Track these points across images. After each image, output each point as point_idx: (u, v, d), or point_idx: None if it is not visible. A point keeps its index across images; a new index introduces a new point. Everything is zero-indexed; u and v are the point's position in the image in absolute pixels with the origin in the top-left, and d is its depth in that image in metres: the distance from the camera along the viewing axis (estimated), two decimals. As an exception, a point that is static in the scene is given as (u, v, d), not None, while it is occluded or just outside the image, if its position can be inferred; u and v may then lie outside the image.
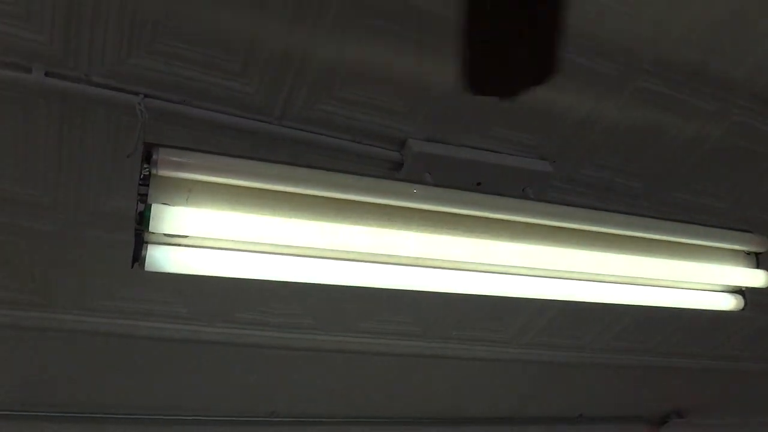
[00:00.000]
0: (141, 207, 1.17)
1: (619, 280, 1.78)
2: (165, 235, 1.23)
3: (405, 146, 1.76)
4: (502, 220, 1.58)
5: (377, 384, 2.51)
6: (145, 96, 1.50)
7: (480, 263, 1.57)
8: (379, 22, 1.46)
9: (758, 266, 1.89)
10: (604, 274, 1.73)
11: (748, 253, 1.90)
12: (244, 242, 1.31)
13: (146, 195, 1.19)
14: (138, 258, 1.23)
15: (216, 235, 1.25)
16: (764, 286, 1.89)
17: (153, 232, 1.20)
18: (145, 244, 1.23)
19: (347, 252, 1.40)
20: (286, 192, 1.33)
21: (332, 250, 1.38)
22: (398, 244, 1.42)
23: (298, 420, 2.58)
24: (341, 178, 1.37)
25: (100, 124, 1.54)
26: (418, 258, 1.49)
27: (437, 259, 1.52)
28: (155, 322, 1.97)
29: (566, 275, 1.72)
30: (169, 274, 1.29)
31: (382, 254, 1.44)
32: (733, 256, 1.88)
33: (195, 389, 2.29)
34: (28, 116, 1.49)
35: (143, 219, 1.18)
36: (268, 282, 1.41)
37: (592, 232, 1.71)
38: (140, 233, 1.22)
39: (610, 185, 1.99)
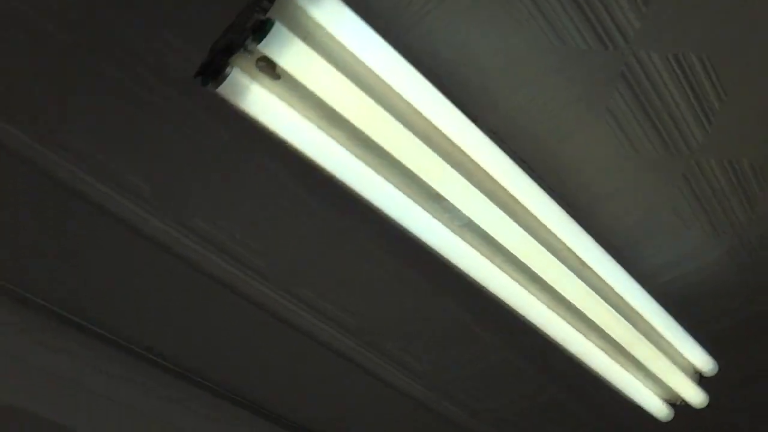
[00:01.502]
0: (261, 16, 1.00)
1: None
2: (258, 62, 1.05)
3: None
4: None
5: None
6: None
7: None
8: None
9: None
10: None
11: (695, 371, 1.98)
12: (333, 117, 1.14)
13: (267, 9, 1.02)
14: (218, 75, 1.03)
15: (312, 86, 1.09)
16: (699, 406, 1.95)
17: (251, 51, 1.03)
18: (230, 66, 1.05)
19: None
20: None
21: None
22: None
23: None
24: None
25: None
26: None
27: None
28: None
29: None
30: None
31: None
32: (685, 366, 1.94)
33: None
34: None
35: (252, 33, 1.01)
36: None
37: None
38: (232, 45, 1.03)
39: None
